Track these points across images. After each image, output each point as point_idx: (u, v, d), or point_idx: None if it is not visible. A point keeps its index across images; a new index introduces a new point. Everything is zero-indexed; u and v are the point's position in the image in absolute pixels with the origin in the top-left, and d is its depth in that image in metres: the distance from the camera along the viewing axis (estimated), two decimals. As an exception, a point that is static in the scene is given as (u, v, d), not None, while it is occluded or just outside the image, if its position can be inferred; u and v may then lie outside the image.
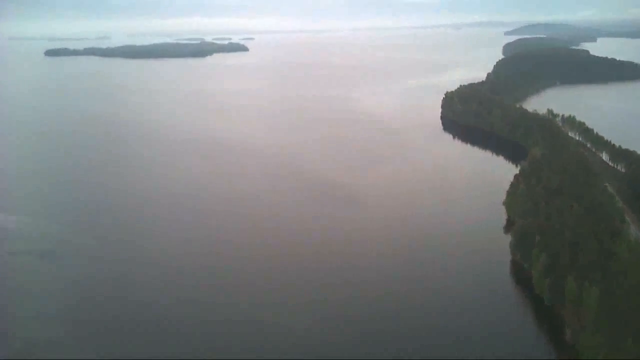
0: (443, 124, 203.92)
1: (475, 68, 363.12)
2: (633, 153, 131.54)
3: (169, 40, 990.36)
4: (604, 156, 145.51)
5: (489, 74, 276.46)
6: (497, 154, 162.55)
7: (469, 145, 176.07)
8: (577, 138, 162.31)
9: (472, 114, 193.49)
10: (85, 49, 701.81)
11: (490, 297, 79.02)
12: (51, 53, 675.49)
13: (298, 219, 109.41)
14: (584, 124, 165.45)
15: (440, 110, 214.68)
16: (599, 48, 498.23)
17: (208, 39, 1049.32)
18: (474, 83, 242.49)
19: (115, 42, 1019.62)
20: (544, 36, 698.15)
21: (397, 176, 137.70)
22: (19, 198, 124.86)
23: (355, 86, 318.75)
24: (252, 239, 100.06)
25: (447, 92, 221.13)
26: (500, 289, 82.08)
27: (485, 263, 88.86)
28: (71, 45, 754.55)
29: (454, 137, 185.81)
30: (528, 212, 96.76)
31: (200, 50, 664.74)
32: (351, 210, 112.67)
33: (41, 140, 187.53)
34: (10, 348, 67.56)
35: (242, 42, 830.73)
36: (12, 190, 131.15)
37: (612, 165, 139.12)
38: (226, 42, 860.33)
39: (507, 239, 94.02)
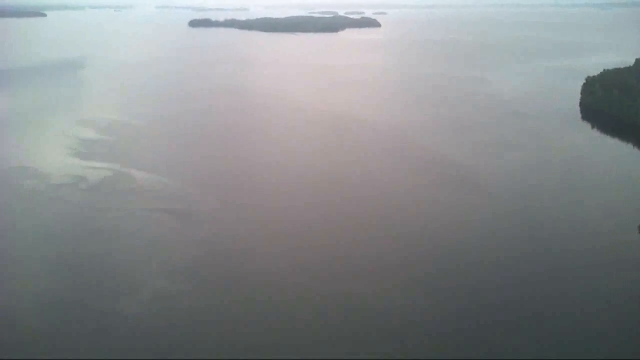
0: (582, 111, 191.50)
1: (622, 52, 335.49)
2: None
3: (303, 13, 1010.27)
4: None
5: (637, 60, 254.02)
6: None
7: (609, 136, 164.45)
8: None
9: (616, 102, 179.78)
10: (225, 20, 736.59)
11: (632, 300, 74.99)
12: (194, 23, 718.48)
13: (418, 201, 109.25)
14: None
15: (579, 96, 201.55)
16: None
17: (341, 12, 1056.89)
18: (620, 68, 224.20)
19: (254, 13, 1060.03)
20: None
21: (524, 164, 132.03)
22: (157, 159, 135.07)
23: (487, 67, 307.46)
24: (373, 221, 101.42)
25: (587, 77, 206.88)
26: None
27: (620, 263, 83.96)
28: (213, 16, 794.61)
29: (592, 127, 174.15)
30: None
31: (332, 24, 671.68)
32: (476, 197, 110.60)
33: (182, 105, 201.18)
34: (138, 300, 74.07)
35: (373, 17, 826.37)
36: (152, 151, 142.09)
37: None
38: (358, 16, 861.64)
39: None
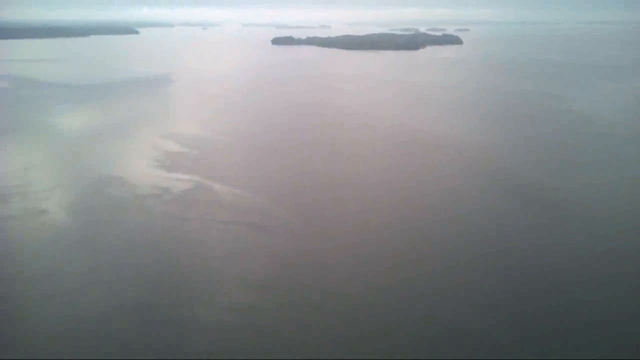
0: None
1: None
2: None
3: (383, 30, 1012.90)
4: None
5: None
6: None
7: None
8: None
9: None
10: (307, 38, 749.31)
11: None
12: (277, 41, 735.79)
13: (500, 221, 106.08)
14: None
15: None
16: None
17: (422, 29, 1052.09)
18: None
19: (335, 30, 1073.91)
20: None
21: (610, 186, 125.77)
22: (237, 173, 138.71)
23: (576, 85, 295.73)
24: (460, 243, 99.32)
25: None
26: None
27: None
28: (295, 34, 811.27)
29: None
30: None
31: (413, 42, 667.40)
32: (562, 220, 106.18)
33: (264, 121, 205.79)
34: (213, 309, 75.91)
35: (455, 34, 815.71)
36: (233, 165, 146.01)
37: None
38: (440, 33, 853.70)
39: None
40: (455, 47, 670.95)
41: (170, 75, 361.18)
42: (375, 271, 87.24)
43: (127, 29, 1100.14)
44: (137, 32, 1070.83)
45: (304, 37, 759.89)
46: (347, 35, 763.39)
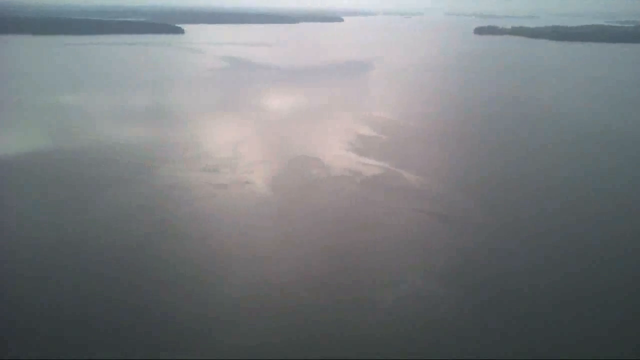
0: None
1: None
2: None
3: (599, 22, 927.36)
4: None
5: None
6: None
7: None
8: None
9: None
10: (512, 27, 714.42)
11: None
12: (480, 31, 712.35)
13: None
14: None
15: None
16: None
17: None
18: None
19: (544, 20, 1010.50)
20: None
21: None
22: (426, 161, 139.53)
23: None
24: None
25: None
26: None
27: None
28: (500, 24, 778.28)
29: None
30: None
31: (633, 34, 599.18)
32: None
33: (458, 110, 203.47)
34: (395, 294, 77.60)
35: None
36: (422, 153, 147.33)
37: None
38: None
39: None
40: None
41: (371, 61, 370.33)
42: (560, 281, 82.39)
43: (332, 17, 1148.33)
44: (341, 20, 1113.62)
45: (509, 27, 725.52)
46: (558, 26, 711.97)
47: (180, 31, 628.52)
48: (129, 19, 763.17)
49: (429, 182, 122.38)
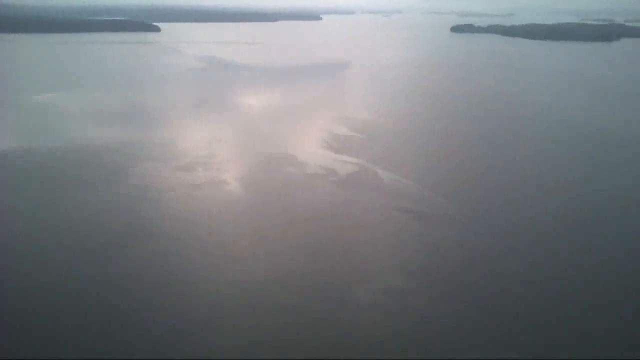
0: None
1: None
2: None
3: (573, 20, 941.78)
4: None
5: None
6: None
7: None
8: None
9: None
10: (488, 26, 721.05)
11: None
12: (456, 29, 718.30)
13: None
14: None
15: None
16: None
17: (619, 20, 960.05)
18: None
19: (519, 19, 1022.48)
20: None
21: None
22: (402, 160, 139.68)
23: None
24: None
25: None
26: None
27: None
28: (476, 22, 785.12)
29: None
30: None
31: (606, 33, 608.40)
32: None
33: (436, 109, 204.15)
34: (368, 290, 77.34)
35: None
36: (398, 152, 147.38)
37: None
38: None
39: None
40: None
41: (348, 61, 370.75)
42: (550, 277, 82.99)
43: (311, 15, 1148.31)
44: (320, 19, 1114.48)
45: (485, 25, 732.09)
46: (533, 24, 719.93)
47: (156, 29, 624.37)
48: (105, 18, 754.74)
49: (405, 181, 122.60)
